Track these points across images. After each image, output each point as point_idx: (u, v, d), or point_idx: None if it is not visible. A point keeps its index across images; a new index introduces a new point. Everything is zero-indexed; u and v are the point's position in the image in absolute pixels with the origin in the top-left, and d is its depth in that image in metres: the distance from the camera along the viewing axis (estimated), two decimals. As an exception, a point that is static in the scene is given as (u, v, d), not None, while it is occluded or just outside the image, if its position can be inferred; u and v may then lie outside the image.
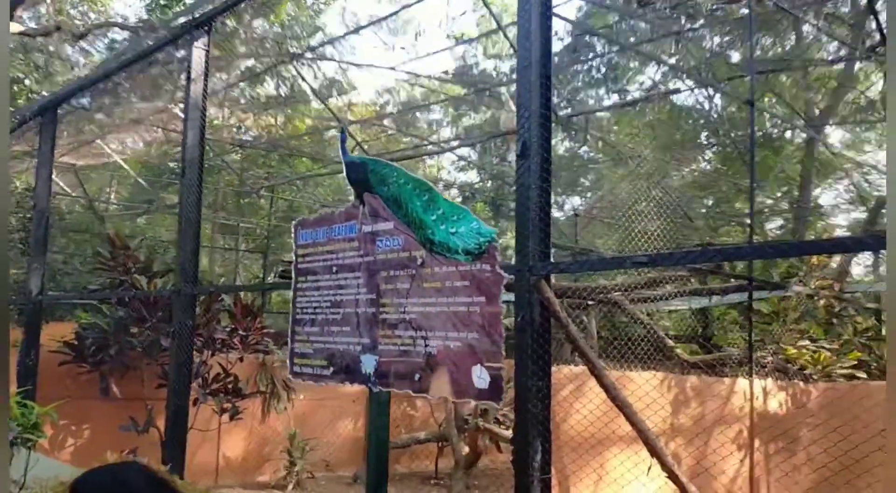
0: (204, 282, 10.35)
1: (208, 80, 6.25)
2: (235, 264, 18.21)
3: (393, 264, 3.00)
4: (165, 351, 7.74)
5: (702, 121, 20.07)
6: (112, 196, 16.90)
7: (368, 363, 3.06)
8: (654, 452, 3.79)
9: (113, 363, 7.77)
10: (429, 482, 10.33)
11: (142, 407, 7.96)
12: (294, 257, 3.62)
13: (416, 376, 2.82)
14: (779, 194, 21.86)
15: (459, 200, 26.90)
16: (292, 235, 3.66)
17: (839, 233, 20.60)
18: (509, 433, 9.44)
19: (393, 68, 10.18)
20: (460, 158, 25.80)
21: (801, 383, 5.33)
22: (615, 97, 23.59)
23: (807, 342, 7.09)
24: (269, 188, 15.66)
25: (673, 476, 3.82)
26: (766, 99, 17.80)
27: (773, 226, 22.37)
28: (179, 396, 5.99)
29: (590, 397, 3.89)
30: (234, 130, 17.13)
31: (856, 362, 6.88)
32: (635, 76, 23.71)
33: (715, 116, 20.44)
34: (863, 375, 6.76)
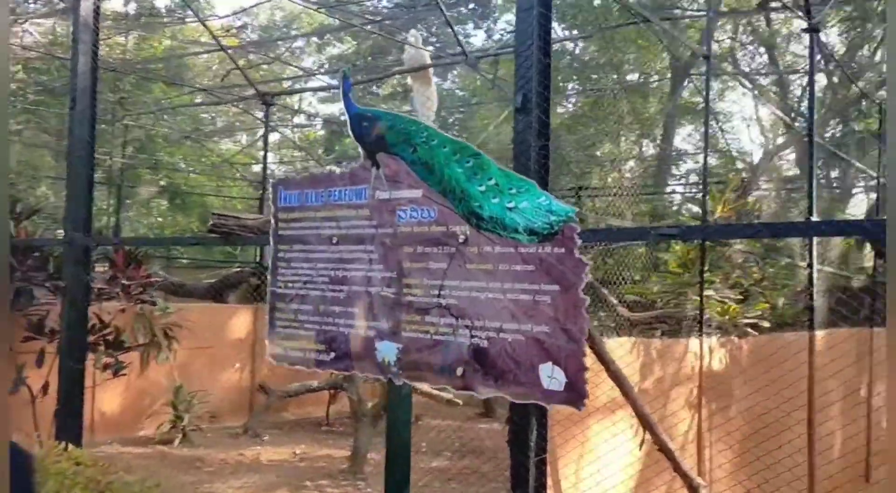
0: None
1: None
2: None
3: (422, 239, 2.59)
4: (36, 303, 6.85)
5: (575, 65, 20.30)
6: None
7: (387, 351, 2.67)
8: (647, 424, 3.71)
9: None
10: (320, 429, 10.04)
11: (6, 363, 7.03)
12: (273, 222, 3.10)
13: (459, 371, 2.47)
14: (633, 138, 22.58)
15: (323, 134, 25.85)
16: (270, 195, 3.13)
17: (692, 176, 21.74)
18: (443, 394, 9.27)
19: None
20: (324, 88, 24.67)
21: (735, 339, 5.50)
22: (481, 34, 23.45)
23: (711, 293, 7.33)
24: (125, 115, 14.20)
25: (664, 448, 3.76)
26: (638, 43, 18.23)
27: (627, 167, 23.36)
28: (74, 358, 5.27)
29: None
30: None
31: (759, 313, 7.23)
32: (503, 15, 23.55)
33: (582, 62, 20.77)
34: (766, 324, 7.12)
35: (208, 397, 9.14)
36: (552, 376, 2.26)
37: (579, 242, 2.23)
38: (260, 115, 22.98)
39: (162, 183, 18.26)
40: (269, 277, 3.09)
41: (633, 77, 21.18)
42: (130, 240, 9.38)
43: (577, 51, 21.91)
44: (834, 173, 18.70)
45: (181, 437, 8.64)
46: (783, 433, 6.10)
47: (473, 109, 19.55)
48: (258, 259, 18.04)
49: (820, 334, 6.80)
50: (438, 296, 2.53)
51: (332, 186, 2.88)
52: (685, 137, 25.72)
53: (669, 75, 19.83)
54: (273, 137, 25.19)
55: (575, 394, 2.23)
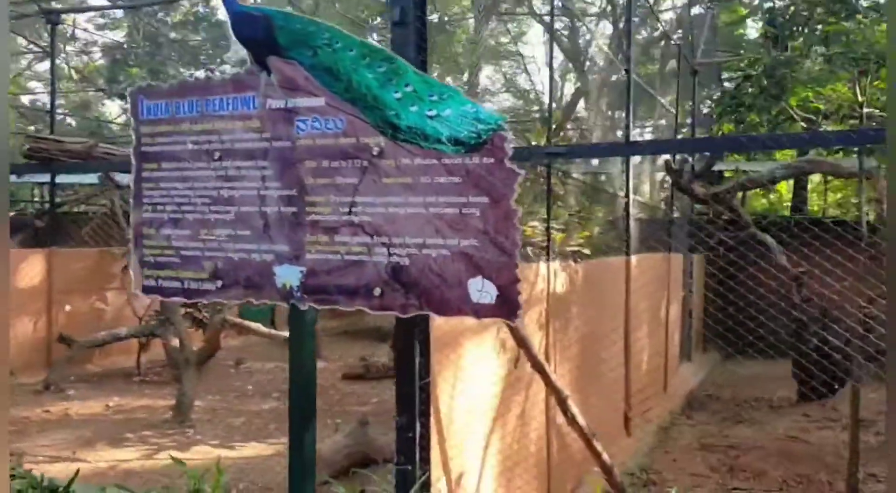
0: None
1: None
2: None
3: (328, 152, 2.37)
4: None
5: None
6: None
7: (288, 275, 2.44)
8: (522, 343, 3.79)
9: None
10: (132, 380, 9.34)
11: None
12: (134, 137, 2.69)
13: (377, 291, 2.32)
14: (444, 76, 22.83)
15: (103, 62, 23.55)
16: (129, 106, 2.71)
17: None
18: (260, 327, 8.86)
19: None
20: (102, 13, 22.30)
21: (573, 263, 5.78)
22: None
23: (536, 223, 7.66)
24: None
25: (536, 365, 3.88)
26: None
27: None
28: None
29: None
30: None
31: (581, 241, 7.67)
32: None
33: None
34: (587, 251, 7.58)
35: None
36: (482, 290, 2.19)
37: (510, 151, 2.16)
38: (23, 41, 20.28)
39: None
40: (130, 200, 2.71)
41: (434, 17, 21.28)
42: None
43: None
44: (620, 114, 20.21)
45: (-31, 399, 7.64)
46: (608, 348, 6.62)
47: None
48: (41, 198, 16.14)
49: (634, 259, 7.39)
50: (349, 213, 2.34)
51: (209, 94, 2.55)
52: (486, 76, 26.50)
53: (472, 15, 20.14)
54: (44, 66, 22.44)
55: (507, 306, 2.18)
